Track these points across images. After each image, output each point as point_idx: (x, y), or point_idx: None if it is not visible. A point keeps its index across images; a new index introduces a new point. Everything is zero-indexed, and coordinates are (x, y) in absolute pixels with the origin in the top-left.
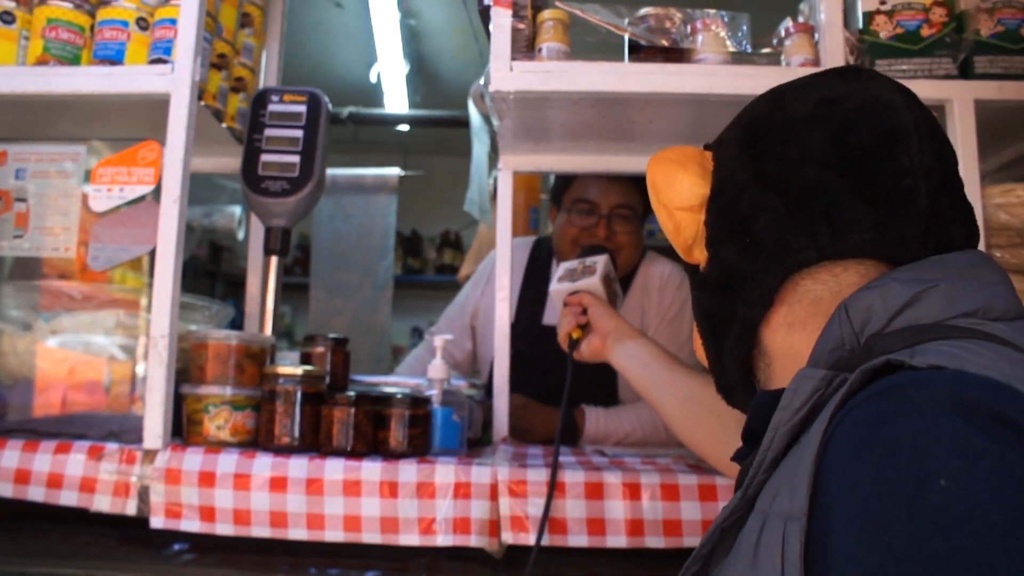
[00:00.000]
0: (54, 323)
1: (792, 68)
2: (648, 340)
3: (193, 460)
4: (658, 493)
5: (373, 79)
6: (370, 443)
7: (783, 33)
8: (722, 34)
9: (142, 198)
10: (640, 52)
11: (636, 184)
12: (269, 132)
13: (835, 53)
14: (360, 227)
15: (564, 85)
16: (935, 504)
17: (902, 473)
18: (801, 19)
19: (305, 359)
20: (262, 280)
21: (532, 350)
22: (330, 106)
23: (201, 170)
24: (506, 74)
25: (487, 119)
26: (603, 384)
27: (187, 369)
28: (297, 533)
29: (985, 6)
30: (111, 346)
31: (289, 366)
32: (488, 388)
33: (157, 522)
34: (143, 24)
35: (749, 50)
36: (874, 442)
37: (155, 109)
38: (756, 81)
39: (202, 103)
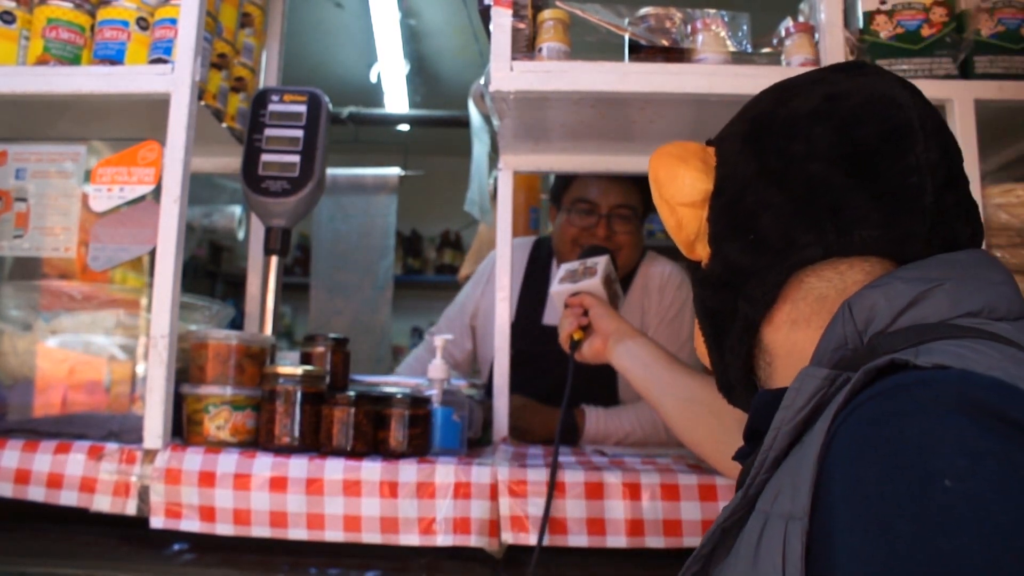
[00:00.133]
0: (54, 323)
1: (792, 68)
2: (649, 340)
3: (193, 460)
4: (658, 493)
5: (373, 79)
6: (370, 443)
7: (783, 33)
8: (722, 34)
9: (142, 198)
10: (640, 52)
11: (636, 184)
12: (269, 132)
13: (835, 53)
14: (360, 227)
15: (564, 85)
16: (940, 504)
17: (906, 473)
18: (801, 19)
19: (305, 359)
20: (262, 280)
21: (532, 350)
22: (330, 106)
23: (201, 170)
24: (506, 74)
25: (487, 119)
26: (603, 384)
27: (187, 369)
28: (297, 533)
29: (985, 6)
30: (111, 346)
31: (289, 366)
32: (488, 388)
33: (157, 522)
34: (143, 24)
35: (749, 50)
36: (878, 441)
37: (155, 109)
38: (756, 81)
39: (202, 103)
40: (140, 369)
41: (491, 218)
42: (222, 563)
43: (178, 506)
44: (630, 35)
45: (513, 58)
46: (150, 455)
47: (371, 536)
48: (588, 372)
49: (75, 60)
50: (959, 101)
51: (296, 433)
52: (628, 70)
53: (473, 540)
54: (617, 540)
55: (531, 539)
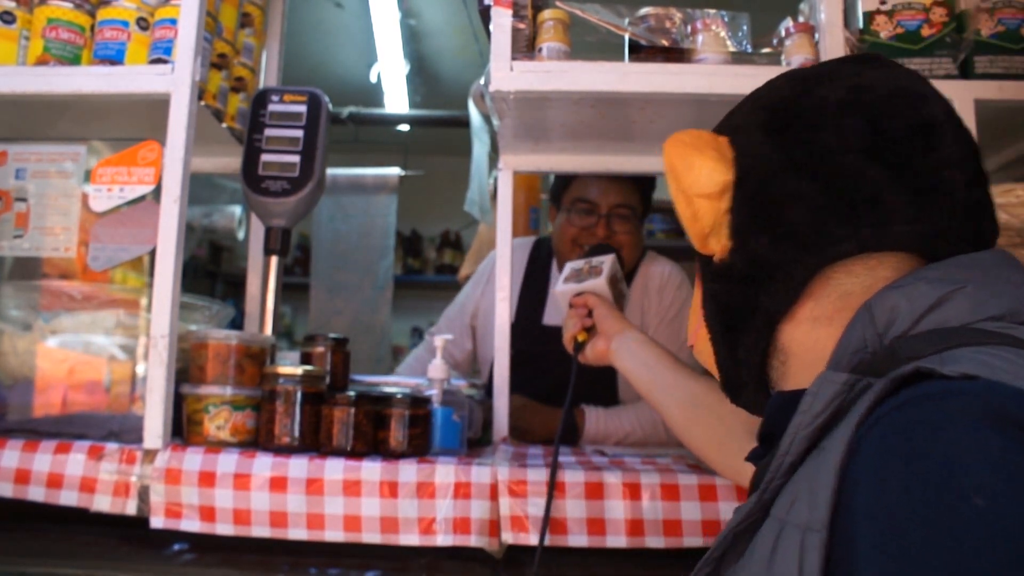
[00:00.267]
0: (54, 323)
1: (793, 68)
2: (651, 341)
3: (193, 460)
4: (658, 493)
5: (373, 79)
6: (370, 443)
7: (783, 33)
8: (722, 34)
9: (142, 198)
10: (640, 52)
11: (636, 184)
12: (269, 132)
13: (835, 53)
14: (360, 227)
15: (564, 85)
16: (967, 521)
17: (933, 488)
18: (801, 19)
19: (305, 359)
20: (262, 280)
21: (532, 350)
22: (330, 106)
23: (201, 170)
24: (506, 74)
25: (487, 119)
26: (603, 384)
27: (187, 369)
28: (297, 533)
29: (985, 6)
30: (111, 346)
31: (289, 366)
32: (488, 388)
33: (157, 522)
34: (143, 24)
35: (749, 50)
36: (904, 454)
37: (155, 109)
38: (756, 81)
39: (202, 103)
40: (140, 369)
41: (491, 218)
42: (222, 563)
43: (178, 506)
44: (630, 35)
45: (513, 58)
46: (150, 455)
47: (371, 536)
48: (588, 372)
49: (75, 60)
50: (959, 101)
51: (296, 433)
52: (628, 70)
53: (473, 540)
54: (617, 540)
55: (531, 539)
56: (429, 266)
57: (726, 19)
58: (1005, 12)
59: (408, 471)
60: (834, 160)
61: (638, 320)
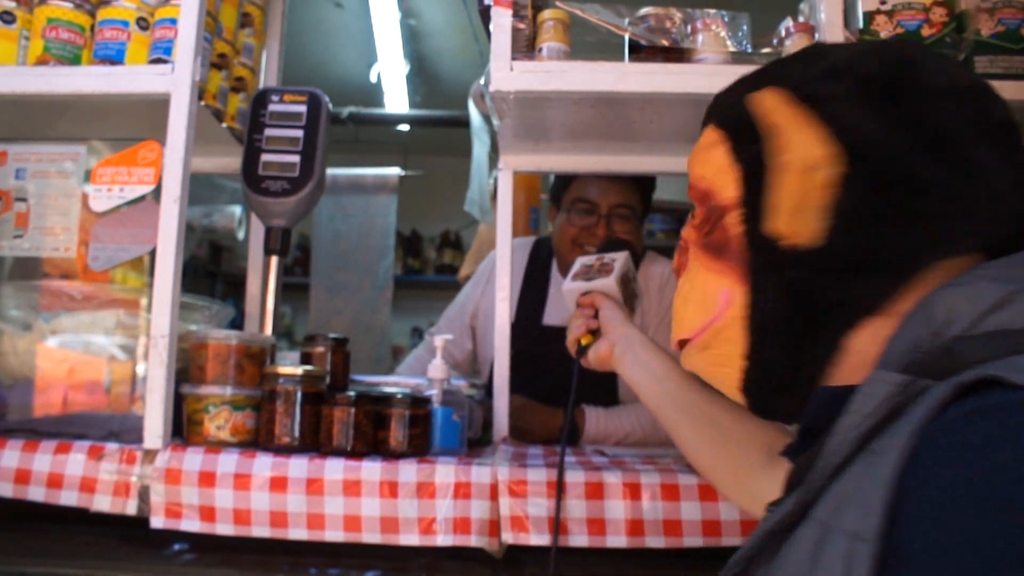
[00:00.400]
0: (54, 323)
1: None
2: (659, 349)
3: (193, 460)
4: (658, 493)
5: (373, 79)
6: (370, 443)
7: (783, 33)
8: (722, 34)
9: (142, 198)
10: (640, 52)
11: (636, 184)
12: (269, 132)
13: None
14: (360, 227)
15: (564, 85)
16: None
17: (996, 508)
18: (801, 19)
19: (305, 359)
20: (262, 280)
21: (532, 350)
22: (330, 106)
23: (201, 170)
24: (506, 74)
25: (487, 119)
26: (603, 384)
27: (187, 369)
28: (297, 533)
29: (985, 6)
30: (111, 346)
31: (289, 366)
32: (488, 388)
33: (157, 522)
34: (143, 24)
35: (749, 50)
36: (972, 471)
37: (155, 109)
38: None
39: (202, 103)
40: (140, 369)
41: (491, 218)
42: (222, 563)
43: (178, 506)
44: (630, 35)
45: (513, 58)
46: (150, 455)
47: (371, 536)
48: (589, 372)
49: (75, 60)
50: None
51: (296, 433)
52: (628, 70)
53: (473, 540)
54: (617, 540)
55: (531, 539)
56: (429, 266)
57: (726, 19)
58: (1005, 12)
59: (408, 471)
60: (962, 145)
61: (637, 319)
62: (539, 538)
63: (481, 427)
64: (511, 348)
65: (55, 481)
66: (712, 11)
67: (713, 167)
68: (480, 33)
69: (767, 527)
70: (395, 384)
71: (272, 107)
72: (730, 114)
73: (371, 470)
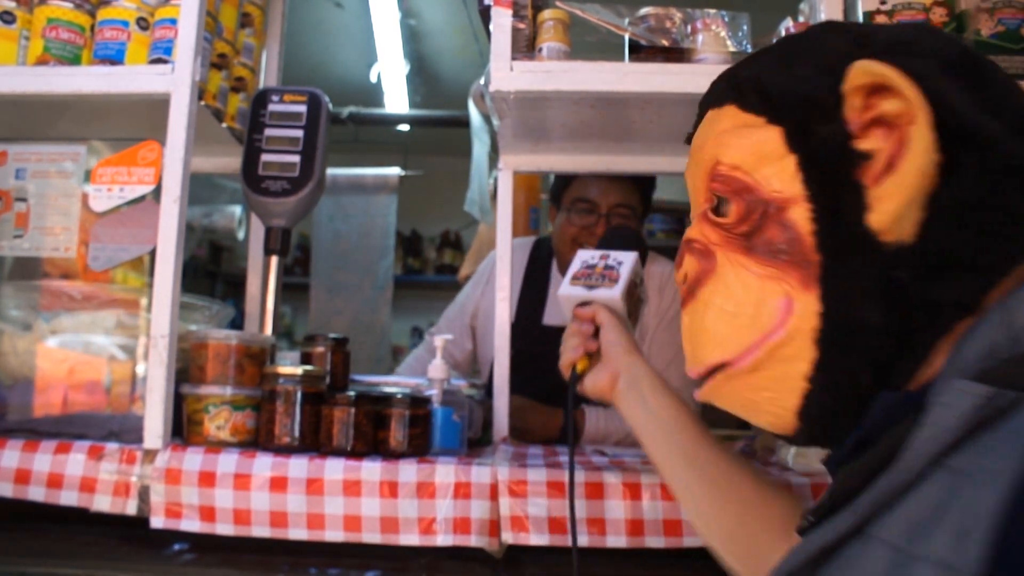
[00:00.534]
0: (54, 323)
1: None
2: (669, 393)
3: (193, 460)
4: (658, 493)
5: (373, 79)
6: (370, 443)
7: (783, 33)
8: (722, 34)
9: (142, 198)
10: (640, 52)
11: (636, 184)
12: (269, 132)
13: None
14: (360, 227)
15: (564, 85)
16: None
17: None
18: (801, 19)
19: (305, 359)
20: (262, 280)
21: (532, 350)
22: (330, 106)
23: (201, 170)
24: (506, 74)
25: (487, 119)
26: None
27: (187, 369)
28: (297, 533)
29: (985, 6)
30: (111, 346)
31: (289, 366)
32: (488, 388)
33: (157, 522)
34: (143, 24)
35: (749, 50)
36: None
37: (155, 109)
38: None
39: (202, 103)
40: (140, 369)
41: (491, 218)
42: (222, 563)
43: (178, 506)
44: (630, 35)
45: (513, 58)
46: (150, 455)
47: (371, 536)
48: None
49: (75, 60)
50: None
51: (296, 433)
52: (628, 70)
53: (473, 540)
54: (617, 540)
55: (531, 539)
56: (429, 266)
57: (726, 19)
58: (1005, 12)
59: (408, 471)
60: None
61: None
62: (539, 538)
63: (481, 427)
64: (511, 348)
65: (55, 481)
66: (712, 11)
67: (754, 154)
68: (480, 33)
69: (822, 543)
70: (395, 384)
71: (272, 107)
72: (775, 92)
73: (371, 470)
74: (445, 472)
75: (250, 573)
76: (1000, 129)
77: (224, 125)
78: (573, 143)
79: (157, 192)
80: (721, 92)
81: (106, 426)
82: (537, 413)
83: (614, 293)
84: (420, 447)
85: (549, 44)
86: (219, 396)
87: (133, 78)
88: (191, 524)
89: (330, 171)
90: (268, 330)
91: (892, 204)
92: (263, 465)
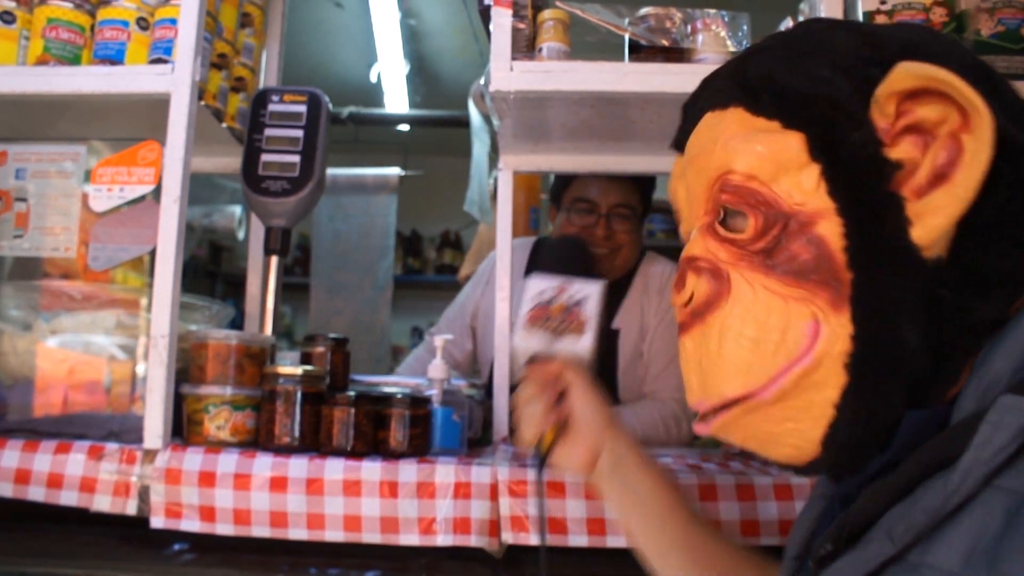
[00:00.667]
0: (54, 323)
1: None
2: (657, 469)
3: (193, 460)
4: None
5: (373, 79)
6: (370, 443)
7: None
8: (722, 34)
9: (142, 198)
10: (640, 52)
11: (636, 184)
12: (269, 132)
13: None
14: (360, 227)
15: (564, 85)
16: None
17: None
18: (801, 19)
19: (305, 359)
20: (262, 280)
21: None
22: (330, 106)
23: (201, 170)
24: (506, 74)
25: (487, 119)
26: (603, 384)
27: (187, 369)
28: (297, 533)
29: (985, 6)
30: (111, 346)
31: (289, 366)
32: (488, 388)
33: (157, 522)
34: (143, 24)
35: None
36: None
37: (155, 109)
38: None
39: (202, 103)
40: (140, 369)
41: (491, 218)
42: (222, 563)
43: (178, 506)
44: (630, 35)
45: (513, 58)
46: (150, 455)
47: (371, 536)
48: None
49: (75, 60)
50: None
51: (296, 433)
52: (628, 70)
53: (473, 540)
54: (617, 540)
55: (531, 539)
56: (429, 266)
57: (726, 19)
58: (1005, 12)
59: (408, 471)
60: None
61: (637, 320)
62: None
63: (481, 427)
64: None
65: (55, 481)
66: (712, 11)
67: (772, 163)
68: (480, 33)
69: (862, 571)
70: (395, 384)
71: (272, 107)
72: (793, 94)
73: (371, 470)
74: (445, 472)
75: (250, 573)
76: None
77: (224, 125)
78: (573, 143)
79: (157, 192)
80: (724, 92)
81: (106, 426)
82: None
83: (584, 344)
84: (420, 447)
85: (549, 44)
86: (219, 396)
87: (133, 78)
88: (191, 524)
89: (330, 171)
90: (268, 330)
91: (941, 218)
92: (263, 465)
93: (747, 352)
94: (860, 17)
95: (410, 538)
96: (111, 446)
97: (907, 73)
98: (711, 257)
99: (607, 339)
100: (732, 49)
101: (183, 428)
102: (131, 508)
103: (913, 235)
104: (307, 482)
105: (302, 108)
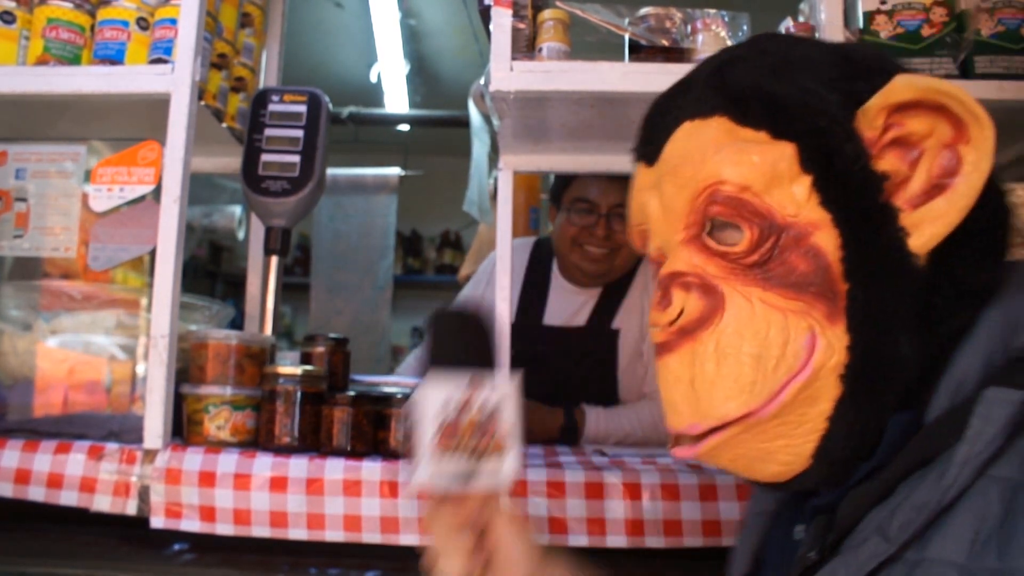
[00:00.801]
0: (54, 323)
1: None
2: None
3: (193, 460)
4: (658, 493)
5: (373, 79)
6: (370, 443)
7: (783, 33)
8: (722, 34)
9: (142, 198)
10: (640, 52)
11: None
12: (269, 132)
13: None
14: (360, 227)
15: (564, 85)
16: None
17: None
18: (801, 19)
19: (305, 359)
20: (262, 280)
21: (532, 350)
22: (330, 106)
23: (201, 170)
24: (506, 74)
25: (487, 119)
26: (603, 384)
27: (187, 369)
28: (297, 533)
29: (985, 6)
30: (111, 346)
31: (289, 366)
32: None
33: (157, 522)
34: (143, 24)
35: None
36: None
37: (155, 109)
38: None
39: (202, 103)
40: (140, 369)
41: (490, 218)
42: (222, 563)
43: (178, 506)
44: (630, 35)
45: (513, 58)
46: (150, 455)
47: (371, 536)
48: (588, 371)
49: (75, 60)
50: None
51: (296, 433)
52: (628, 70)
53: None
54: (617, 540)
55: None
56: (429, 266)
57: (726, 19)
58: (1005, 12)
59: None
60: None
61: (638, 320)
62: (539, 538)
63: None
64: (511, 348)
65: (55, 481)
66: (712, 11)
67: (765, 174)
68: (480, 33)
69: (858, 570)
70: (395, 384)
71: (272, 107)
72: (785, 105)
73: (371, 470)
74: None
75: (250, 573)
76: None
77: (224, 125)
78: (573, 143)
79: (157, 192)
80: (706, 101)
81: (106, 426)
82: (537, 413)
83: (507, 467)
84: None
85: (549, 44)
86: (219, 396)
87: (133, 78)
88: (191, 524)
89: (330, 171)
90: (268, 330)
91: (941, 227)
92: (263, 465)
93: (749, 369)
94: (860, 17)
95: (410, 538)
96: (111, 446)
97: (908, 85)
98: (699, 271)
99: (607, 339)
100: None
101: (183, 428)
102: (131, 508)
103: (911, 244)
104: (307, 482)
105: (302, 108)
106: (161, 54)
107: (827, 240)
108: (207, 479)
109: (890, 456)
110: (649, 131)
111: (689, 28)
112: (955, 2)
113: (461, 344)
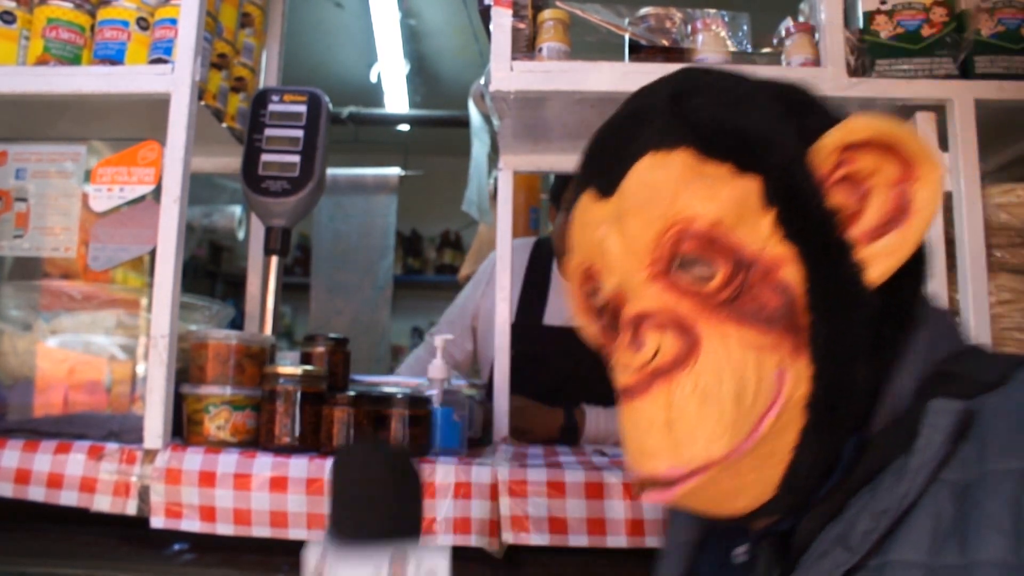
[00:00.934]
0: (54, 323)
1: (793, 68)
2: None
3: (193, 460)
4: None
5: (373, 79)
6: None
7: (783, 33)
8: (722, 34)
9: (142, 198)
10: (640, 52)
11: None
12: (269, 132)
13: (835, 53)
14: (360, 227)
15: (564, 85)
16: None
17: None
18: (801, 19)
19: (305, 359)
20: (262, 280)
21: (532, 350)
22: (330, 106)
23: (201, 170)
24: (506, 74)
25: (487, 119)
26: (603, 383)
27: (187, 369)
28: (297, 533)
29: (985, 6)
30: (111, 346)
31: (289, 366)
32: (488, 388)
33: (157, 522)
34: (143, 24)
35: (749, 50)
36: None
37: (155, 109)
38: None
39: (202, 103)
40: (140, 369)
41: (489, 218)
42: (222, 563)
43: (178, 506)
44: (630, 35)
45: (513, 58)
46: (150, 455)
47: None
48: (588, 371)
49: (75, 60)
50: (959, 101)
51: (296, 433)
52: (628, 70)
53: (473, 540)
54: (617, 540)
55: (531, 539)
56: (429, 266)
57: (726, 19)
58: (1005, 12)
59: None
60: None
61: None
62: (539, 538)
63: (481, 427)
64: (511, 348)
65: (55, 481)
66: (712, 11)
67: (734, 209)
68: (480, 33)
69: None
70: (395, 384)
71: (272, 107)
72: (750, 139)
73: None
74: (445, 472)
75: (250, 573)
76: None
77: (224, 125)
78: (573, 143)
79: (157, 192)
80: (669, 133)
81: (106, 426)
82: (537, 413)
83: None
84: (420, 447)
85: (549, 44)
86: (219, 396)
87: (133, 78)
88: (191, 524)
89: (330, 171)
90: (268, 330)
91: (894, 260)
92: (263, 465)
93: (730, 408)
94: (860, 17)
95: None
96: (111, 446)
97: (865, 126)
98: (669, 310)
99: None
100: (732, 49)
101: (183, 428)
102: (131, 508)
103: (867, 277)
104: (307, 482)
105: (302, 108)
106: (161, 54)
107: (793, 274)
108: (207, 479)
109: (846, 476)
110: (603, 160)
111: (689, 28)
112: (955, 2)
113: (377, 505)
